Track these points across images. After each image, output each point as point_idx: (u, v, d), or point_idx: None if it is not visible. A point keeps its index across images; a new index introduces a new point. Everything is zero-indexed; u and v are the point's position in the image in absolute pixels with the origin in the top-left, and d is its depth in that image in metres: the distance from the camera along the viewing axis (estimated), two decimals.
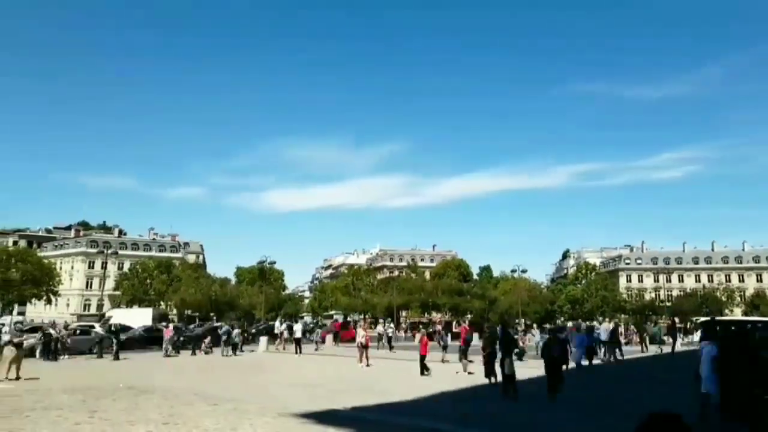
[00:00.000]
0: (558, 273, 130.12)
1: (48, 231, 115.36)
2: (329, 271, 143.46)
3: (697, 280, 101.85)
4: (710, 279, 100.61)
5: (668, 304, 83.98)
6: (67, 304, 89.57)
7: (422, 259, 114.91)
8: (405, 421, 9.87)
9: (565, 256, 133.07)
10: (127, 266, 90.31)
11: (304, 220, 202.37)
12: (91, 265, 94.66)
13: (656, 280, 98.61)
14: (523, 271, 68.17)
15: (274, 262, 72.37)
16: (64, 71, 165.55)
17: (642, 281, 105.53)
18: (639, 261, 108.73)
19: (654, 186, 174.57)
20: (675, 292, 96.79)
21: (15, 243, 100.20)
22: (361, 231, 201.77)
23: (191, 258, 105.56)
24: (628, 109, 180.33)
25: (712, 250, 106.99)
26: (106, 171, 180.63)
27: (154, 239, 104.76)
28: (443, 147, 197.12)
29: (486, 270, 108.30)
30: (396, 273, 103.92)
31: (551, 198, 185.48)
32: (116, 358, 23.55)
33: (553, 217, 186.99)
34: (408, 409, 11.48)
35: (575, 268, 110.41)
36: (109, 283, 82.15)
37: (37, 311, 79.89)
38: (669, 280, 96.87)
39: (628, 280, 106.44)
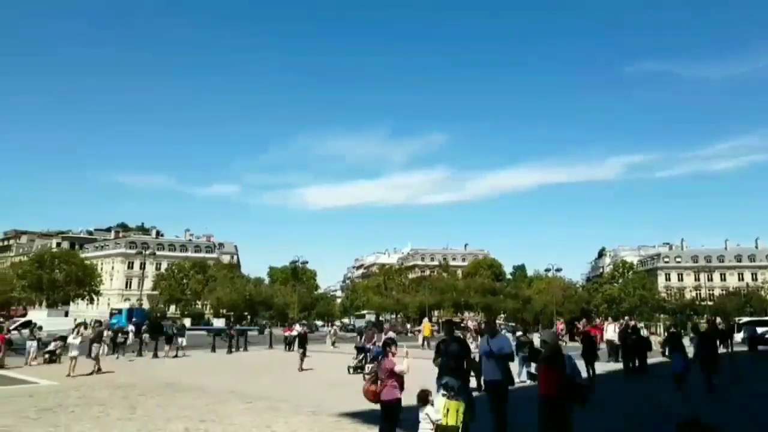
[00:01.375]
0: (594, 272, 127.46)
1: (89, 233, 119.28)
2: (360, 271, 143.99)
3: (740, 278, 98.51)
4: (754, 277, 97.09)
5: (710, 303, 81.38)
6: (108, 304, 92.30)
7: (454, 259, 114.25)
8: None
9: (601, 254, 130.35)
10: (164, 266, 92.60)
11: (337, 218, 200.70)
12: (130, 266, 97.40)
13: (697, 279, 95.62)
14: (558, 270, 66.97)
15: (306, 262, 73.11)
16: (100, 70, 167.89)
17: (682, 280, 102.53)
18: (678, 259, 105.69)
19: (706, 178, 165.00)
20: (717, 291, 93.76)
21: (58, 245, 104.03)
22: (392, 229, 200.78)
23: (226, 258, 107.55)
24: (692, 91, 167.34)
25: (756, 247, 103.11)
26: (142, 170, 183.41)
27: (190, 240, 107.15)
28: (484, 138, 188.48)
29: (519, 269, 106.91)
30: (427, 272, 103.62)
31: (594, 192, 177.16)
32: (155, 356, 24.19)
33: (589, 215, 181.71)
34: None
35: (612, 266, 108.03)
36: (148, 283, 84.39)
37: (80, 310, 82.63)
38: (710, 279, 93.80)
39: (668, 279, 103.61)
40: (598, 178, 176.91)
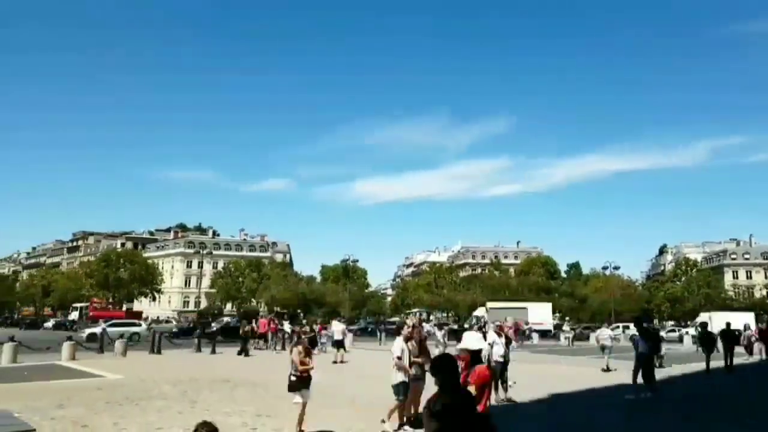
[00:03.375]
0: (654, 270, 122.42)
1: (150, 233, 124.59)
2: (411, 269, 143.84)
3: None
4: None
5: None
6: (169, 301, 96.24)
7: (506, 257, 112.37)
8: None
9: (662, 251, 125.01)
10: (220, 265, 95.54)
11: (390, 213, 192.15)
12: (188, 265, 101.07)
13: (767, 277, 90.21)
14: (615, 268, 64.72)
15: (357, 261, 73.69)
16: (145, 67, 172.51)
17: (751, 278, 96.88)
18: (747, 256, 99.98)
19: None
20: None
21: (123, 245, 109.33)
22: (444, 227, 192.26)
23: (279, 257, 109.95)
24: None
25: None
26: (193, 166, 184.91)
27: (244, 239, 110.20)
28: (554, 122, 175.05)
29: (574, 267, 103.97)
30: (479, 270, 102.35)
31: (669, 180, 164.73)
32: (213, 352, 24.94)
33: (650, 210, 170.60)
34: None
35: (674, 264, 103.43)
36: (205, 282, 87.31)
37: (142, 308, 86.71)
38: None
39: (735, 277, 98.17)
40: (676, 164, 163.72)
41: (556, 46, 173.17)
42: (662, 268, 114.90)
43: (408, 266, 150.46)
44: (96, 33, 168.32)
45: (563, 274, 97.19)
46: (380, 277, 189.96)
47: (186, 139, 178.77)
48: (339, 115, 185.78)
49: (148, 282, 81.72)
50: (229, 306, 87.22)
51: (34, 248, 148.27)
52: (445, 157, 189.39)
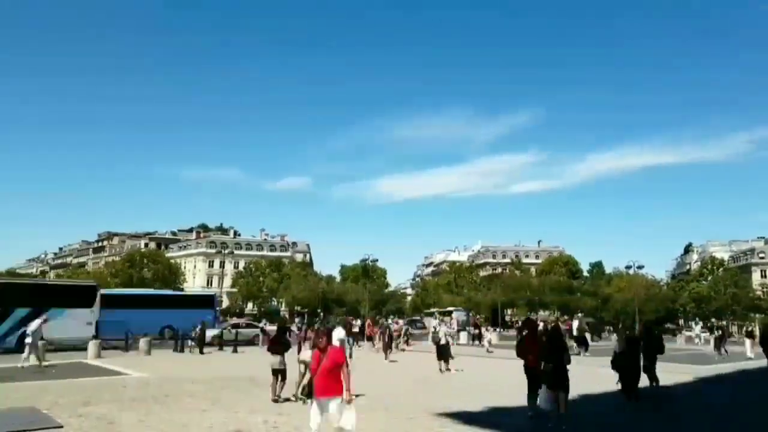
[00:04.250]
0: (679, 269, 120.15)
1: (173, 233, 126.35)
2: (430, 269, 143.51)
3: None
4: None
5: None
6: None
7: (527, 256, 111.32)
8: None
9: (688, 250, 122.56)
10: (242, 265, 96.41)
11: (411, 211, 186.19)
12: (210, 264, 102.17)
13: None
14: (639, 267, 63.50)
15: (376, 260, 73.65)
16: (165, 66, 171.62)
17: None
18: None
19: None
20: None
21: (146, 245, 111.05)
22: (463, 226, 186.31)
23: (299, 257, 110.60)
24: None
25: None
26: (213, 163, 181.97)
27: (265, 239, 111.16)
28: (584, 114, 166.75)
29: (597, 266, 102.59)
30: (499, 270, 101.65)
31: (699, 175, 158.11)
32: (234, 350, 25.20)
33: (675, 209, 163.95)
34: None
35: (699, 263, 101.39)
36: (227, 281, 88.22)
37: None
38: None
39: (764, 276, 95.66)
40: (708, 158, 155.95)
41: (586, 36, 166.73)
42: (688, 267, 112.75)
43: (427, 266, 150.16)
44: (118, 35, 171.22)
45: (585, 274, 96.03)
46: (400, 277, 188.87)
47: (207, 138, 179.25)
48: (361, 110, 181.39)
49: (171, 282, 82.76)
50: (250, 305, 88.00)
51: (60, 248, 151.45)
52: (470, 152, 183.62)
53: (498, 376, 16.75)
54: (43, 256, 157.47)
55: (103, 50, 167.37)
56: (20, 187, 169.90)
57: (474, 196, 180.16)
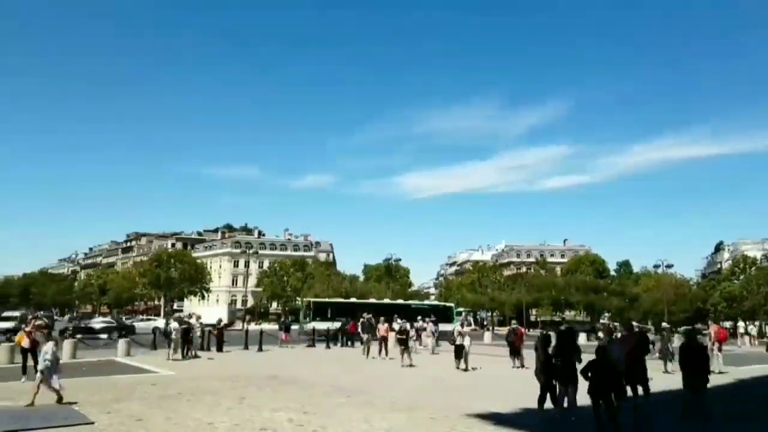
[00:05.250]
0: (710, 268, 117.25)
1: (199, 233, 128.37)
2: (454, 268, 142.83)
3: None
4: None
5: None
6: (217, 300, 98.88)
7: (552, 255, 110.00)
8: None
9: (718, 248, 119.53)
10: (266, 265, 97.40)
11: (435, 208, 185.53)
12: (235, 264, 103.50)
13: None
14: (668, 267, 62.23)
15: (399, 260, 73.67)
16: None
17: None
18: None
19: None
20: None
21: (173, 245, 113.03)
22: (487, 226, 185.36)
23: (322, 256, 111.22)
24: None
25: None
26: (237, 162, 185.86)
27: (289, 239, 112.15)
28: (620, 105, 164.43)
29: (624, 265, 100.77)
30: (524, 269, 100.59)
31: (738, 167, 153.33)
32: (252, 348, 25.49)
33: (705, 206, 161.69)
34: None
35: (731, 262, 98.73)
36: (252, 281, 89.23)
37: (192, 306, 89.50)
38: None
39: None
40: (742, 150, 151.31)
41: (618, 23, 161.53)
42: (719, 266, 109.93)
43: (451, 265, 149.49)
44: (139, 41, 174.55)
45: (612, 273, 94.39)
46: (423, 276, 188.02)
47: (230, 138, 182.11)
48: (385, 103, 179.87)
49: (197, 281, 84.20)
50: (274, 305, 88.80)
51: (90, 249, 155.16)
52: (500, 145, 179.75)
53: (513, 377, 16.61)
54: (73, 256, 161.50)
55: (123, 51, 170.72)
56: (52, 189, 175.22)
57: (501, 193, 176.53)
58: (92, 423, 8.51)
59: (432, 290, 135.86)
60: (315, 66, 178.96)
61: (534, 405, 9.63)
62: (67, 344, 20.27)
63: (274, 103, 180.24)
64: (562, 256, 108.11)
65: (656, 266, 63.85)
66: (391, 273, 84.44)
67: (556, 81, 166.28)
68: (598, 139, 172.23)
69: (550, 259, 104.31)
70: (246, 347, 26.16)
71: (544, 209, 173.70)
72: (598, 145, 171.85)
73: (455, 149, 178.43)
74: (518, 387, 10.07)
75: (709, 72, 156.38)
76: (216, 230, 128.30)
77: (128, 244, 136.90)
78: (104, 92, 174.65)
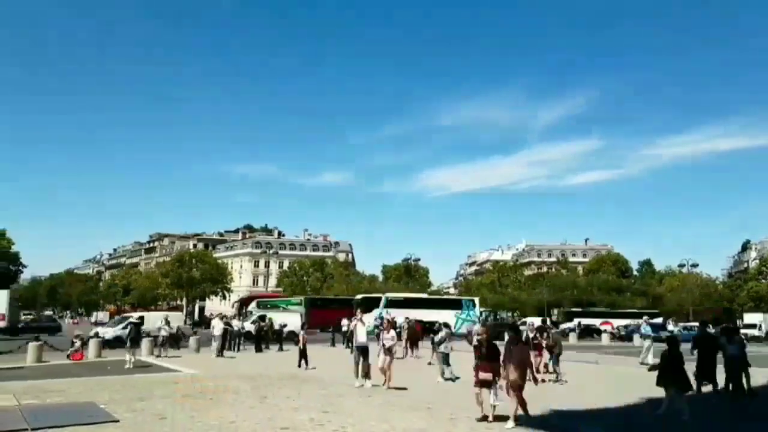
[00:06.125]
0: (736, 267, 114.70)
1: (220, 234, 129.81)
2: (473, 268, 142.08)
3: None
4: None
5: None
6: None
7: (573, 254, 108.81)
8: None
9: (745, 247, 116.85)
10: (286, 265, 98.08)
11: (455, 206, 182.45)
12: (256, 264, 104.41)
13: None
14: (693, 266, 61.11)
15: (419, 260, 73.53)
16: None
17: None
18: None
19: None
20: None
21: (194, 246, 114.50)
22: (508, 225, 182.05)
23: (341, 256, 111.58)
24: None
25: None
26: (255, 161, 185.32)
27: (308, 239, 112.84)
28: (652, 94, 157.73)
29: (646, 264, 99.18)
30: (545, 269, 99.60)
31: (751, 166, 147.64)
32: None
33: (732, 200, 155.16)
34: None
35: (758, 261, 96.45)
36: (272, 281, 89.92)
37: (213, 306, 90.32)
38: None
39: None
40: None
41: (652, 9, 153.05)
42: (746, 265, 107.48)
43: (470, 265, 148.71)
44: (159, 47, 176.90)
45: (635, 273, 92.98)
46: (442, 276, 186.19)
47: (249, 137, 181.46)
48: (404, 97, 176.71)
49: (219, 281, 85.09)
50: None
51: (115, 250, 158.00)
52: (526, 139, 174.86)
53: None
54: (98, 257, 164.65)
55: (135, 57, 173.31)
56: (79, 193, 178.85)
57: (526, 189, 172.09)
58: (117, 421, 8.65)
59: (452, 290, 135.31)
60: (335, 59, 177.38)
61: (545, 405, 9.49)
62: (92, 344, 20.69)
63: (292, 97, 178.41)
64: (584, 255, 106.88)
65: (681, 265, 62.76)
66: (410, 273, 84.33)
67: (584, 71, 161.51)
68: (626, 133, 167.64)
69: (571, 259, 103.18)
70: (266, 347, 26.41)
71: (566, 207, 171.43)
72: (628, 139, 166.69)
73: (477, 145, 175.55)
74: (536, 390, 9.97)
75: (736, 65, 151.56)
76: (236, 231, 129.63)
77: (151, 244, 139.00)
78: (126, 97, 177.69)
